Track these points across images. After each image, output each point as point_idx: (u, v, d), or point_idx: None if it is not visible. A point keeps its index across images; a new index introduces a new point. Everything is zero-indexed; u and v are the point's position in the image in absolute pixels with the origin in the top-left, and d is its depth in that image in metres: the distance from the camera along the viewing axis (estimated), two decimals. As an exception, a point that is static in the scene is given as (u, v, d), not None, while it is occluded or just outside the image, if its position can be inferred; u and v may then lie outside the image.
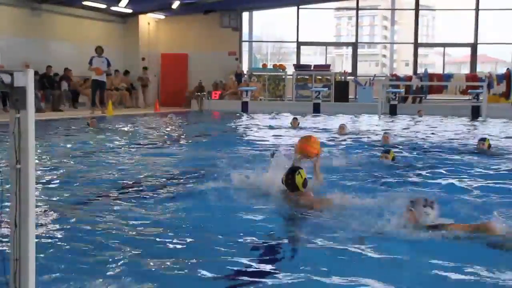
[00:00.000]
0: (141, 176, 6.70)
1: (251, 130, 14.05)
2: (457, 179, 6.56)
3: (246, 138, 11.97)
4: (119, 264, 3.50)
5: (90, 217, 4.72)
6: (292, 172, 5.25)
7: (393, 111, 20.46)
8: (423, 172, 7.15)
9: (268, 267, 3.51)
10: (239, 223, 4.51)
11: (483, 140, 9.06)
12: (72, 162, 7.92)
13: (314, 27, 27.39)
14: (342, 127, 12.66)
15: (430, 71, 23.99)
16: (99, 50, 17.81)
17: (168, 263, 3.55)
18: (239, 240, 4.00)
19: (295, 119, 14.27)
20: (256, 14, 26.52)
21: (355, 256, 3.67)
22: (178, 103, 23.78)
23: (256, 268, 3.49)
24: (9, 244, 2.30)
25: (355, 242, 3.90)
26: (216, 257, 3.65)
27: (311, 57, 29.79)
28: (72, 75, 20.07)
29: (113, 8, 21.70)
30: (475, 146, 9.23)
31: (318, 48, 29.12)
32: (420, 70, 24.88)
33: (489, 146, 8.96)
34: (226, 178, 6.06)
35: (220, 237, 4.08)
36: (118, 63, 22.79)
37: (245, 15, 25.84)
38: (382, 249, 3.77)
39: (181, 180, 6.43)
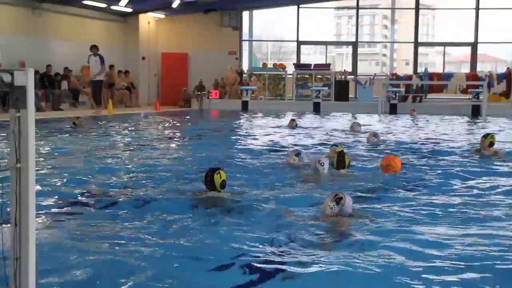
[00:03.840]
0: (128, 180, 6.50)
1: (249, 130, 14.03)
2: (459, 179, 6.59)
3: (241, 139, 11.88)
4: (117, 265, 3.51)
5: (83, 218, 4.70)
6: (212, 171, 5.20)
7: (393, 111, 20.46)
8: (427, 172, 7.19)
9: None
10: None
11: (484, 137, 8.74)
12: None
13: (314, 26, 27.32)
14: (354, 125, 12.88)
15: (430, 70, 23.96)
16: (93, 50, 17.76)
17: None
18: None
19: (292, 120, 14.34)
20: (256, 13, 26.50)
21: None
22: (179, 102, 23.79)
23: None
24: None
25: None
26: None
27: (311, 56, 29.73)
28: (71, 75, 20.07)
29: (113, 7, 21.69)
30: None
31: (318, 47, 29.07)
32: (420, 69, 24.87)
33: (491, 143, 8.61)
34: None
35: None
36: (118, 63, 22.78)
37: (245, 14, 25.83)
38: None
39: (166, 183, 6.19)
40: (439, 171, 7.13)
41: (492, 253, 3.77)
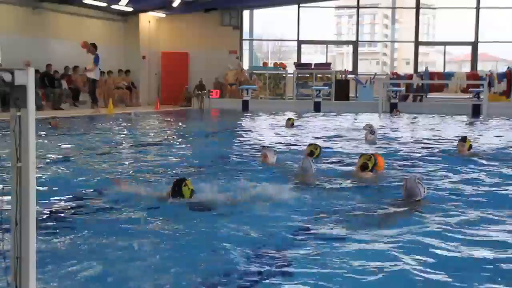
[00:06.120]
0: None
1: (247, 130, 14.02)
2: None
3: (238, 138, 11.81)
4: (117, 264, 3.51)
5: (86, 217, 4.70)
6: (178, 189, 5.00)
7: (393, 110, 20.43)
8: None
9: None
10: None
11: (463, 141, 8.30)
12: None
13: (315, 25, 27.31)
14: (366, 127, 12.93)
15: (430, 69, 23.96)
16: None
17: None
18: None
19: (289, 119, 14.29)
20: (257, 12, 26.50)
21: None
22: (179, 101, 23.79)
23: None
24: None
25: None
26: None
27: (312, 55, 29.72)
28: (72, 73, 20.06)
29: (114, 7, 21.68)
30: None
31: (319, 46, 29.08)
32: (421, 69, 24.86)
33: (470, 147, 8.30)
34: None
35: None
36: (118, 62, 22.77)
37: (246, 13, 25.83)
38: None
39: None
40: (436, 170, 7.13)
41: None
